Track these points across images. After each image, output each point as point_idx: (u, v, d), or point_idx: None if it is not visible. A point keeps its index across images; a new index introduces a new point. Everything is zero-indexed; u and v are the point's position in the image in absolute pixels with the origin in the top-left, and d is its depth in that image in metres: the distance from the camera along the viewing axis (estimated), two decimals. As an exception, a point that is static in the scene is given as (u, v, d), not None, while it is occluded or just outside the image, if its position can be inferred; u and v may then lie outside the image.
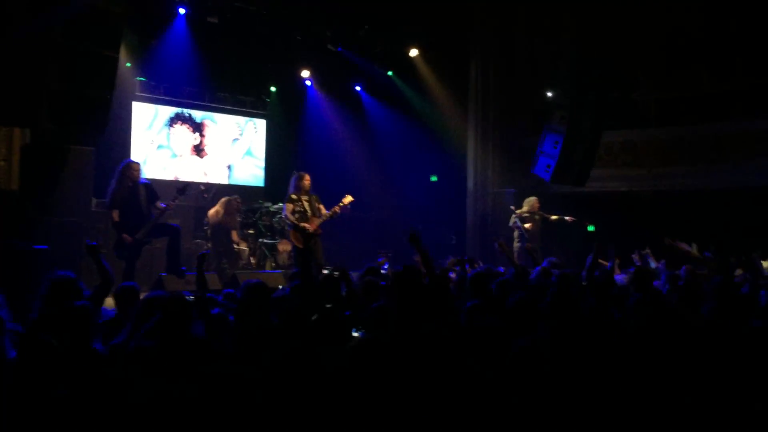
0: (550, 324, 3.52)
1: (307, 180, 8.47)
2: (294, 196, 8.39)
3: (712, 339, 3.41)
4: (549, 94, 9.98)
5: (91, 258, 4.49)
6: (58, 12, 5.36)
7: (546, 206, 10.56)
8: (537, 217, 10.34)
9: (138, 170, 7.60)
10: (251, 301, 3.62)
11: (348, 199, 8.49)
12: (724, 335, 3.44)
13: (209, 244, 9.79)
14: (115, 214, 7.44)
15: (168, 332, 2.77)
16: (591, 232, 12.33)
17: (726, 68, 11.53)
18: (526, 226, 10.22)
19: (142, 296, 4.27)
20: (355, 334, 3.69)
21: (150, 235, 7.62)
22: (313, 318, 3.21)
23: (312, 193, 8.53)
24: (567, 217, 10.33)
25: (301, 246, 8.26)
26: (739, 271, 6.51)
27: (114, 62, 6.72)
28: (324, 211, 8.39)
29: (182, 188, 7.99)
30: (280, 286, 6.96)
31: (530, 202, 10.45)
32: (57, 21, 5.76)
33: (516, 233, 10.36)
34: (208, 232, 9.84)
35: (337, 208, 8.41)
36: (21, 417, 2.64)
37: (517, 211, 10.36)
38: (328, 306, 3.62)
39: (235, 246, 10.04)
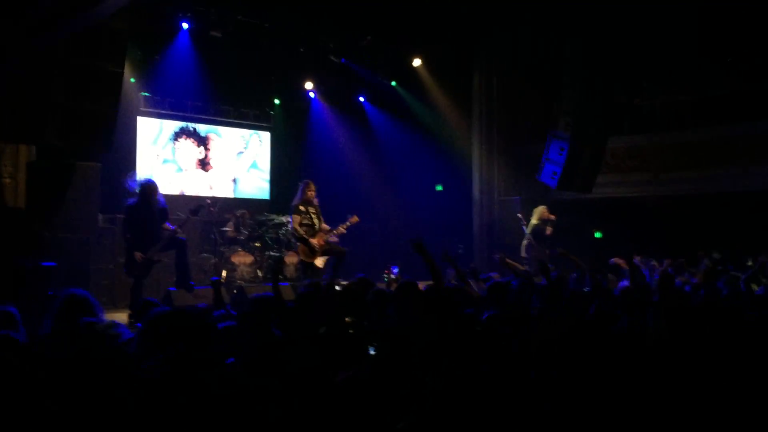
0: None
1: (312, 189, 8.15)
2: (302, 208, 8.04)
3: None
4: (553, 101, 9.97)
5: None
6: (62, 29, 5.37)
7: (553, 213, 10.48)
8: (549, 225, 10.20)
9: (158, 192, 7.47)
10: (259, 315, 3.59)
11: (354, 219, 8.22)
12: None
13: (215, 261, 9.79)
14: (129, 232, 7.33)
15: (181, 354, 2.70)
16: (598, 238, 12.31)
17: (731, 71, 11.50)
18: (548, 231, 10.13)
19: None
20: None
21: (158, 250, 7.58)
22: (321, 331, 3.14)
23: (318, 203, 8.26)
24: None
25: (308, 261, 8.03)
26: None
27: (119, 78, 6.75)
28: (324, 225, 8.13)
29: (195, 210, 7.78)
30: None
31: (539, 212, 10.32)
32: (61, 37, 5.77)
33: (524, 242, 10.28)
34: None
35: (342, 228, 8.21)
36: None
37: (531, 224, 10.27)
38: (347, 319, 3.53)
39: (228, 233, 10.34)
